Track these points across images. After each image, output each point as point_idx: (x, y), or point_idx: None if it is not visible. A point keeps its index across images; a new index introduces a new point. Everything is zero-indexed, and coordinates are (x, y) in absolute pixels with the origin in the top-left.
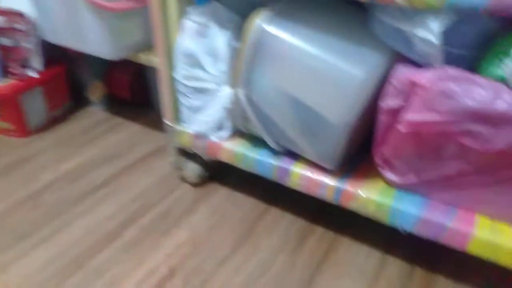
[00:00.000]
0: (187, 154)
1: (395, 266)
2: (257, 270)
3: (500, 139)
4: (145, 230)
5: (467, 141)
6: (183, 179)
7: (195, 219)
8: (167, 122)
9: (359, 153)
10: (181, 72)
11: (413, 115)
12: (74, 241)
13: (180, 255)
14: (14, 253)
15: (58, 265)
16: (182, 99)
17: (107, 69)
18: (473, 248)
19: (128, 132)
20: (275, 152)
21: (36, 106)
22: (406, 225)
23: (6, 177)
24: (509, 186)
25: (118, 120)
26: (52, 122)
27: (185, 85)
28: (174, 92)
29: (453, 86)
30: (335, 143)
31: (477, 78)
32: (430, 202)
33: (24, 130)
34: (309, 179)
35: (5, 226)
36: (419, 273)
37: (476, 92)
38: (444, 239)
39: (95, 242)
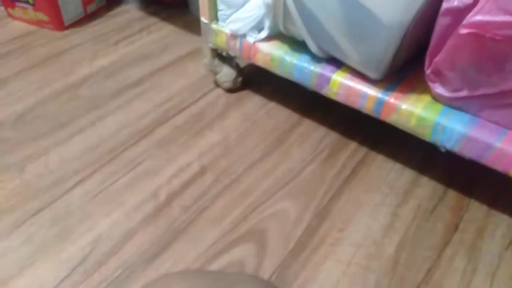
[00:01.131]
0: (222, 57)
1: (428, 186)
2: (286, 175)
3: None
4: (177, 129)
5: None
6: (217, 84)
7: (227, 123)
8: (203, 20)
9: (409, 66)
10: None
11: (481, 15)
12: (108, 133)
13: (212, 155)
14: (52, 140)
15: (93, 154)
16: None
17: None
18: None
19: (163, 33)
20: (316, 58)
21: None
22: (449, 142)
23: (42, 68)
24: None
25: (153, 20)
26: (87, 18)
27: None
28: None
29: None
30: (385, 47)
31: None
32: (480, 120)
33: (59, 22)
34: (350, 88)
35: (42, 114)
36: (452, 196)
37: None
38: (489, 160)
39: (129, 137)
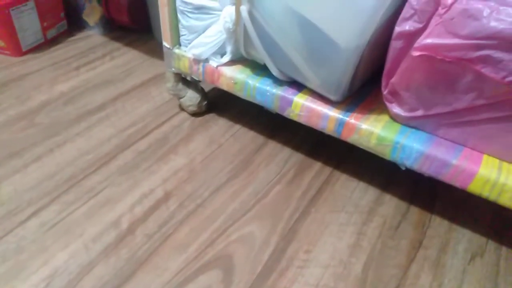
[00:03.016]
0: (186, 81)
1: (391, 204)
2: (252, 198)
3: None
4: (141, 155)
5: (485, 70)
6: (182, 108)
7: (192, 147)
8: (166, 45)
9: (366, 87)
10: None
11: (431, 38)
12: (67, 161)
13: (176, 180)
14: (5, 170)
15: (50, 183)
16: (182, 19)
17: None
18: (476, 187)
19: (126, 58)
20: (277, 81)
21: (29, 23)
22: (408, 160)
23: None
24: None
25: (116, 45)
26: (47, 43)
27: (185, 2)
28: (174, 11)
29: (479, 5)
30: (342, 70)
31: None
32: (436, 138)
33: (16, 48)
34: (311, 109)
35: None
36: (414, 212)
37: (504, 12)
38: (447, 176)
39: (89, 164)
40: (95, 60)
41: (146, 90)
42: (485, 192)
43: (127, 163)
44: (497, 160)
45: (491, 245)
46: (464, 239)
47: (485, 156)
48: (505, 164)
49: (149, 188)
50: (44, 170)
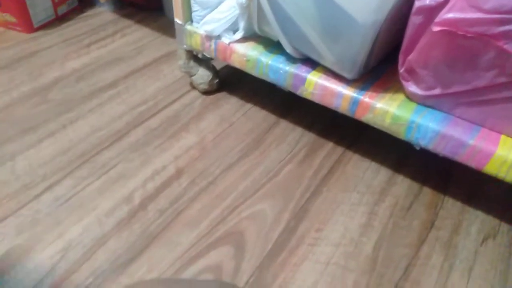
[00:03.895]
0: (197, 59)
1: (403, 185)
2: (263, 177)
3: None
4: (152, 132)
5: (508, 46)
6: (193, 86)
7: (204, 125)
8: (177, 21)
9: (381, 65)
10: None
11: (453, 13)
12: (80, 137)
13: (188, 158)
14: (20, 145)
15: (63, 159)
16: None
17: None
18: (492, 168)
19: (137, 36)
20: (291, 59)
21: None
22: (423, 140)
23: (11, 71)
24: None
25: (127, 22)
26: (58, 20)
27: None
28: None
29: None
30: (359, 47)
31: None
32: (453, 118)
33: (28, 24)
34: (325, 88)
35: (10, 118)
36: (427, 193)
37: None
38: (463, 157)
39: (101, 140)
40: (106, 38)
41: (157, 67)
42: (502, 173)
43: (138, 140)
44: None
45: (504, 227)
46: (477, 221)
47: (502, 137)
48: None
49: (161, 165)
50: (58, 145)
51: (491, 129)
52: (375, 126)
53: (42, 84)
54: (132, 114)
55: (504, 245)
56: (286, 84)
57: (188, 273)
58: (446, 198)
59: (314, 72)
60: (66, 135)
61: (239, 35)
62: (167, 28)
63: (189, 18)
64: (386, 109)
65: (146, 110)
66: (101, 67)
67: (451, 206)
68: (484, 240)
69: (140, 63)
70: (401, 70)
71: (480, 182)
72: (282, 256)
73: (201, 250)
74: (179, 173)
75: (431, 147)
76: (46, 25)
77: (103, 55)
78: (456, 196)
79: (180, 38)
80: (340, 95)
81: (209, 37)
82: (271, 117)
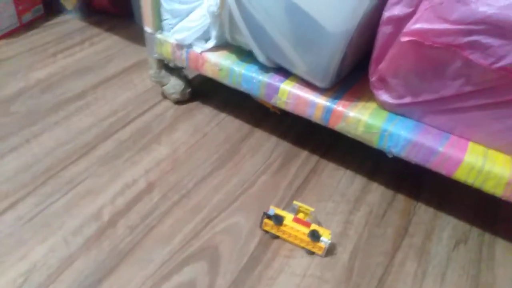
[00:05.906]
0: (169, 68)
1: (377, 192)
2: (238, 188)
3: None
4: (122, 144)
5: (473, 56)
6: (165, 95)
7: (176, 136)
8: (147, 29)
9: (353, 73)
10: None
11: (420, 23)
12: (45, 152)
13: (160, 171)
14: None
15: (27, 175)
16: (164, 2)
17: None
18: (461, 175)
19: (106, 44)
20: (264, 68)
21: (3, 6)
22: (395, 148)
23: None
24: (508, 110)
25: (96, 30)
26: (23, 28)
27: None
28: None
29: None
30: (330, 55)
31: None
32: (423, 126)
33: None
34: (298, 97)
35: None
36: (400, 200)
37: None
38: (434, 164)
39: (68, 154)
40: (73, 46)
41: (128, 77)
42: (471, 179)
43: (108, 153)
44: (483, 148)
45: (475, 232)
46: (448, 226)
47: (470, 144)
48: (490, 152)
49: (131, 179)
50: (21, 161)
51: (460, 136)
52: (348, 135)
53: (5, 96)
54: (101, 126)
55: (474, 250)
56: (259, 93)
57: None
58: (419, 204)
59: (287, 81)
60: (29, 150)
61: (211, 44)
62: (138, 36)
63: (159, 27)
64: (359, 117)
65: (116, 122)
66: (68, 77)
67: (423, 213)
68: (456, 245)
69: (110, 72)
70: (372, 79)
71: (451, 188)
72: (258, 270)
73: (174, 266)
74: (150, 187)
75: (403, 155)
76: (10, 34)
77: (70, 65)
78: (428, 202)
79: (151, 47)
80: (313, 104)
81: (180, 46)
82: (245, 127)
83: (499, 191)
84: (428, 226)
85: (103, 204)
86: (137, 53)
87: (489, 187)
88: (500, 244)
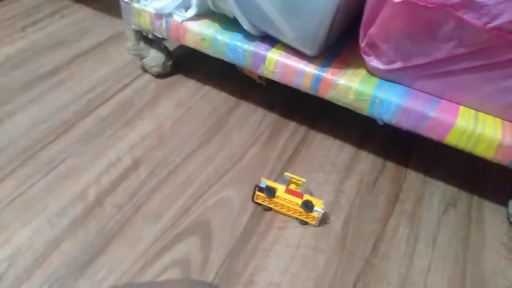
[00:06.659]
0: (148, 39)
1: (367, 161)
2: (227, 162)
3: (507, 13)
4: (104, 121)
5: (467, 16)
6: (145, 69)
7: (160, 111)
8: None
9: (341, 40)
10: None
11: None
12: (20, 132)
13: (145, 147)
14: None
15: (2, 158)
16: None
17: None
18: (453, 139)
19: (79, 16)
20: (249, 36)
21: None
22: (386, 115)
23: None
24: (500, 72)
25: (66, 2)
26: None
27: None
28: None
29: None
30: (319, 20)
31: None
32: (414, 91)
33: None
34: (286, 66)
35: None
36: (390, 167)
37: None
38: (425, 129)
39: (46, 134)
40: (43, 19)
41: (105, 51)
42: (462, 143)
43: (89, 130)
44: (474, 111)
45: (463, 195)
46: (438, 191)
47: (461, 108)
48: (481, 115)
49: (115, 157)
50: None
51: (450, 100)
52: (339, 103)
53: None
54: (79, 103)
55: (464, 212)
56: (245, 63)
57: (153, 270)
58: (408, 170)
59: (274, 50)
60: (3, 130)
61: (192, 12)
62: (112, 7)
63: None
64: (349, 85)
65: (95, 98)
66: (39, 52)
67: (413, 179)
68: (446, 209)
69: (85, 46)
70: (362, 45)
71: (439, 154)
72: (252, 243)
73: (166, 244)
74: (136, 164)
75: (394, 121)
76: None
77: (41, 39)
78: (417, 168)
79: (127, 17)
80: (301, 73)
81: (159, 16)
82: (231, 99)
83: (490, 154)
84: (418, 192)
85: (87, 184)
86: (112, 25)
87: (480, 150)
88: (489, 206)
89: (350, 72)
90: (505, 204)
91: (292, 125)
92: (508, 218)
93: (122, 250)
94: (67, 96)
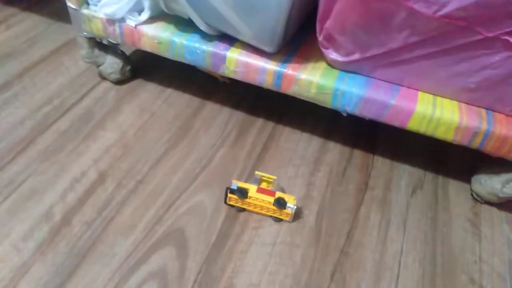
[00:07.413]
0: (103, 45)
1: (335, 151)
2: (196, 166)
3: (454, 1)
4: (64, 135)
5: (417, 6)
6: (102, 76)
7: (121, 119)
8: (71, 5)
9: (299, 35)
10: None
11: None
12: None
13: (110, 159)
14: None
15: None
16: None
17: None
18: (414, 125)
19: (26, 25)
20: (207, 36)
21: None
22: (349, 106)
23: None
24: (452, 57)
25: (11, 10)
26: None
27: None
28: None
29: None
30: (275, 17)
31: None
32: (374, 81)
33: None
34: (247, 64)
35: None
36: (358, 156)
37: None
38: (387, 117)
39: (2, 153)
40: None
41: (58, 60)
42: (423, 128)
43: (48, 146)
44: (432, 96)
45: (429, 176)
46: (405, 175)
47: (420, 93)
48: (438, 99)
49: (79, 171)
50: None
51: (409, 87)
52: (302, 98)
53: None
54: (35, 118)
55: (430, 193)
56: (205, 64)
57: (130, 285)
58: (376, 157)
59: (233, 49)
60: None
61: (145, 16)
62: (62, 12)
63: (84, 1)
64: (310, 79)
65: (52, 111)
66: None
67: (381, 165)
68: (413, 191)
69: (35, 57)
70: (320, 38)
71: (403, 138)
72: (228, 245)
73: (140, 257)
74: (102, 177)
75: (357, 112)
76: None
77: None
78: (384, 154)
79: (77, 24)
80: (263, 71)
81: (111, 21)
82: (195, 101)
83: (449, 136)
84: (386, 177)
85: (52, 203)
86: (64, 32)
87: (440, 133)
88: (453, 185)
89: (310, 66)
90: (468, 181)
91: (259, 121)
92: (472, 195)
93: (95, 268)
94: (22, 111)
